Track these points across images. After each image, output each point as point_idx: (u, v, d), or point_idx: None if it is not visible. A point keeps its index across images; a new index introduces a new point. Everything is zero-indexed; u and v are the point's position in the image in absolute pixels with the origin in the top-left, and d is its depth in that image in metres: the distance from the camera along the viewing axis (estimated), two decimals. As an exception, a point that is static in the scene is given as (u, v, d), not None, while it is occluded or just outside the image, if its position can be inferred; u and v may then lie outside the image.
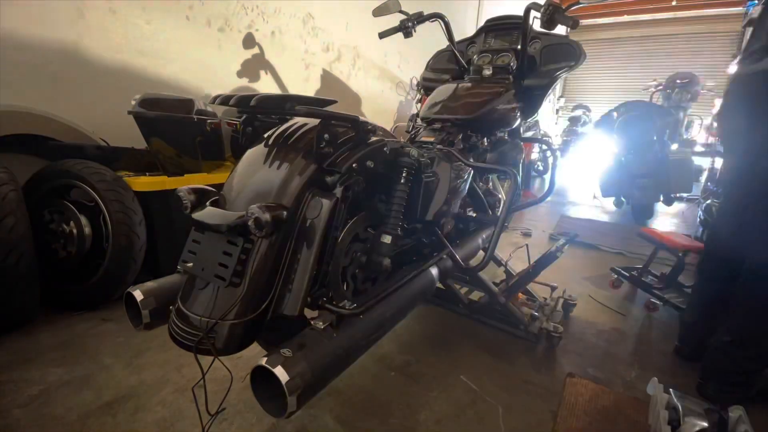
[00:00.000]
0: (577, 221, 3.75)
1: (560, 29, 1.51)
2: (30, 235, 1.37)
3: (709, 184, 4.64)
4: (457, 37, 1.80)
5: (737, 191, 1.35)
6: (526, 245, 1.92)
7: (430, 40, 2.25)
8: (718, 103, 5.31)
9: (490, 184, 1.71)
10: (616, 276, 2.19)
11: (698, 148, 4.81)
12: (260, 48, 2.59)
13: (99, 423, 1.04)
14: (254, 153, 0.87)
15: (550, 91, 1.64)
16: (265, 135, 0.89)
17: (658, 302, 1.90)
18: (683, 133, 4.95)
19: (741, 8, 6.86)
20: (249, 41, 2.51)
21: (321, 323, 0.76)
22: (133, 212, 1.54)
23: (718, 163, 4.46)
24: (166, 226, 1.72)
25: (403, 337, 1.52)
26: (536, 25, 1.58)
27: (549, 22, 1.37)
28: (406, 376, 1.31)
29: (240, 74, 2.52)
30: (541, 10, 1.37)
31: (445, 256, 1.19)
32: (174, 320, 0.79)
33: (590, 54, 1.74)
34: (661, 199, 3.58)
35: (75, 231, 1.51)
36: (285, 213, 0.72)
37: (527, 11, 1.50)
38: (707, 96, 5.54)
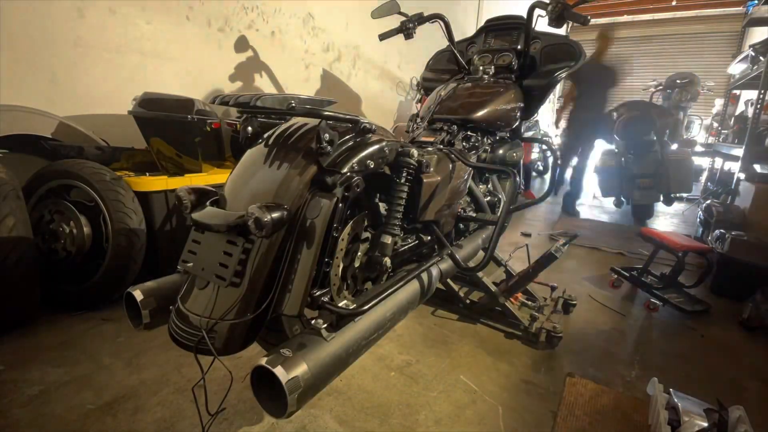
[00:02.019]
0: (577, 221, 3.75)
1: (556, 29, 1.48)
2: (30, 235, 1.37)
3: (709, 184, 4.65)
4: (456, 37, 1.80)
5: None
6: (526, 245, 1.92)
7: (430, 41, 2.25)
8: (718, 103, 5.33)
9: (490, 184, 1.71)
10: (616, 276, 2.19)
11: (698, 148, 4.81)
12: (260, 48, 2.59)
13: (99, 423, 1.04)
14: (254, 153, 0.87)
15: (550, 91, 1.63)
16: (265, 135, 0.89)
17: (658, 302, 1.90)
18: (683, 133, 4.95)
19: (741, 8, 6.87)
20: (249, 41, 2.51)
21: (321, 323, 0.76)
22: (133, 212, 1.54)
23: (718, 163, 4.47)
24: (166, 226, 1.72)
25: (403, 337, 1.52)
26: (537, 25, 1.58)
27: (558, 19, 1.31)
28: (406, 376, 1.31)
29: (240, 74, 2.52)
30: (549, 8, 1.33)
31: (445, 256, 1.19)
32: (174, 320, 0.79)
33: (590, 54, 1.73)
34: (661, 199, 3.59)
35: (75, 231, 1.51)
36: (285, 213, 0.72)
37: (531, 10, 1.47)
38: (707, 96, 5.54)
